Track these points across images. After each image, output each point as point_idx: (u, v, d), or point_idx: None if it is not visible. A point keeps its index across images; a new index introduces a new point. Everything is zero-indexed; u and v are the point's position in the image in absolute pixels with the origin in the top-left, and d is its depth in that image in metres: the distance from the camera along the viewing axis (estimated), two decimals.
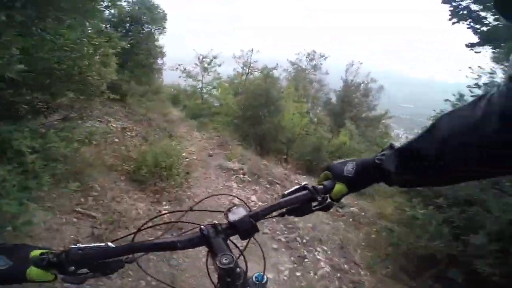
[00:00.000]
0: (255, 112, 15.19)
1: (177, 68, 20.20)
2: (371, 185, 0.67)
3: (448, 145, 0.47)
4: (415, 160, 0.54)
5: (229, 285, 0.57)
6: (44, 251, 0.56)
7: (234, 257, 0.57)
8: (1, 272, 0.50)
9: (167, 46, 17.07)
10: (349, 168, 0.69)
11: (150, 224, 0.79)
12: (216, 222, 0.66)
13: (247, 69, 23.17)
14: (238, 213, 0.65)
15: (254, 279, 0.65)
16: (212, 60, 20.09)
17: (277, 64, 23.88)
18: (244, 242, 0.72)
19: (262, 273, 0.66)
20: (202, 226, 0.65)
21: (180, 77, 20.40)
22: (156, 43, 16.65)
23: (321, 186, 0.71)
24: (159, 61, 19.55)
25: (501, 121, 0.39)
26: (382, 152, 0.65)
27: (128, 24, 14.72)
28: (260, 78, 18.33)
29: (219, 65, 20.74)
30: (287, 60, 22.60)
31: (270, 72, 24.06)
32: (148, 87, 14.75)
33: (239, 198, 0.92)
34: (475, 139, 0.43)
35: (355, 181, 0.68)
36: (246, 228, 0.63)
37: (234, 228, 0.64)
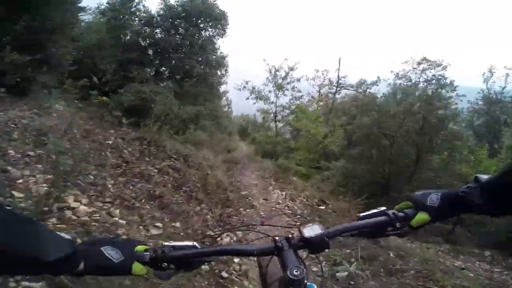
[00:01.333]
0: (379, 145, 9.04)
1: (244, 87, 15.54)
2: (455, 216, 0.77)
3: None
4: (505, 194, 0.55)
5: None
6: (145, 247, 0.64)
7: (304, 270, 0.59)
8: (115, 265, 0.57)
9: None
10: (433, 198, 0.67)
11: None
12: (290, 235, 0.67)
13: (336, 87, 17.30)
14: (313, 230, 0.65)
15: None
16: (288, 73, 14.91)
17: (378, 77, 17.39)
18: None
19: (313, 284, 0.70)
20: (276, 238, 0.67)
21: (248, 98, 15.62)
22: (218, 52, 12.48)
23: (402, 214, 0.69)
24: (220, 76, 15.69)
25: None
26: (468, 185, 0.63)
27: (177, 21, 11.07)
28: (368, 96, 12.34)
29: (299, 80, 15.33)
30: (392, 72, 15.86)
31: (368, 88, 17.67)
32: (203, 110, 10.47)
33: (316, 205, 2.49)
34: None
35: (439, 211, 0.66)
36: (319, 244, 0.64)
37: (306, 242, 0.65)
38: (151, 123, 5.98)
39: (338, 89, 18.02)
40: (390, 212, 0.69)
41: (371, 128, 9.32)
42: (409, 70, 15.42)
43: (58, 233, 0.54)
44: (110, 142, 5.05)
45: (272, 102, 15.46)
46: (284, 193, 6.62)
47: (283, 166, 10.00)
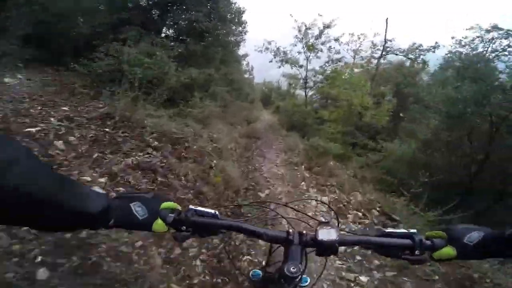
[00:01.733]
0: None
1: (267, 48, 12.76)
2: (489, 258, 0.72)
3: None
4: None
5: (279, 284, 0.63)
6: (170, 204, 0.65)
7: (301, 269, 0.60)
8: (139, 222, 0.60)
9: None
10: (473, 237, 0.62)
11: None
12: (304, 232, 0.67)
13: (382, 51, 13.98)
14: (329, 234, 0.63)
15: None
16: (323, 31, 11.80)
17: (436, 43, 13.85)
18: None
19: (307, 278, 0.80)
20: (290, 230, 0.68)
21: (271, 61, 12.88)
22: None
23: (429, 242, 0.64)
24: (237, 34, 12.95)
25: None
26: None
27: None
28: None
29: (336, 40, 12.20)
30: (453, 38, 12.39)
31: (422, 54, 14.20)
32: (213, 73, 8.20)
33: (331, 209, 0.95)
34: None
35: (471, 251, 0.61)
36: (328, 250, 0.63)
37: (317, 244, 0.64)
38: (121, 92, 3.83)
39: (384, 53, 14.67)
40: (417, 237, 0.64)
41: (468, 103, 6.14)
42: (475, 38, 12.10)
43: (93, 188, 0.56)
44: (42, 126, 3.03)
45: (302, 66, 12.57)
46: (326, 198, 4.42)
47: (319, 148, 7.65)
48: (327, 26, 11.63)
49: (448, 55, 13.29)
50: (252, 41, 12.83)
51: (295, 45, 12.33)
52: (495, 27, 13.21)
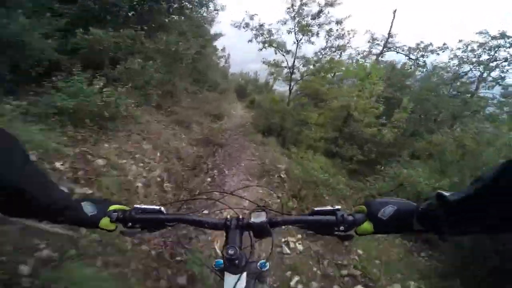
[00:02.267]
0: None
1: (247, 24, 9.58)
2: (403, 233, 0.68)
3: None
4: (474, 213, 0.49)
5: (228, 267, 0.69)
6: (119, 207, 0.72)
7: (237, 250, 0.65)
8: (87, 218, 0.65)
9: None
10: (387, 211, 0.64)
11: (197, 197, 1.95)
12: (241, 217, 0.73)
13: (383, 47, 11.56)
14: (260, 217, 0.70)
15: (258, 264, 0.82)
16: (321, 10, 8.89)
17: (444, 44, 11.92)
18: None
19: (265, 261, 0.83)
20: (228, 216, 0.74)
21: (251, 41, 9.70)
22: None
23: (351, 217, 0.67)
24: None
25: None
26: (428, 202, 0.57)
27: None
28: None
29: (339, 22, 9.32)
30: (460, 41, 11.16)
31: (424, 55, 12.16)
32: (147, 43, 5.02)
33: (278, 197, 1.76)
34: None
35: (385, 225, 0.64)
36: (262, 231, 0.70)
37: (251, 227, 0.70)
38: None
39: (385, 49, 12.28)
40: (340, 213, 0.67)
41: None
42: (483, 44, 11.47)
43: (60, 186, 0.60)
44: None
45: (289, 52, 9.59)
46: None
47: (310, 172, 4.86)
48: (330, 4, 8.73)
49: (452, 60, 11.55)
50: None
51: (284, 23, 9.27)
52: (504, 35, 11.81)
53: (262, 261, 0.83)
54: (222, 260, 0.75)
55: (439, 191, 0.54)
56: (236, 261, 0.66)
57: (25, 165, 0.51)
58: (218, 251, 2.34)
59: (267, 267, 0.82)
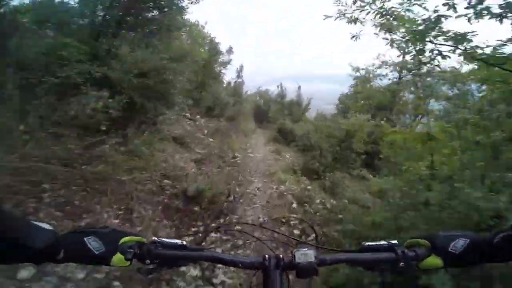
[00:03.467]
0: None
1: None
2: (476, 265, 0.65)
3: None
4: None
5: None
6: (131, 239, 0.61)
7: None
8: (95, 256, 0.56)
9: None
10: (459, 244, 0.59)
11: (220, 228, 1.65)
12: (281, 256, 0.64)
13: None
14: (306, 256, 0.61)
15: None
16: None
17: None
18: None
19: None
20: (266, 255, 0.65)
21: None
22: None
23: (413, 253, 0.61)
24: None
25: None
26: (503, 234, 0.56)
27: None
28: None
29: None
30: None
31: None
32: None
33: (311, 227, 0.90)
34: None
35: (458, 259, 0.60)
36: (308, 272, 0.61)
37: (296, 267, 0.61)
38: None
39: None
40: (399, 250, 0.61)
41: None
42: None
43: (40, 224, 0.54)
44: None
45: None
46: None
47: None
48: None
49: None
50: None
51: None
52: None
53: None
54: None
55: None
56: None
57: None
58: None
59: None
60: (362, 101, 13.61)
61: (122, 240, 0.60)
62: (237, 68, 18.45)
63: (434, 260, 0.61)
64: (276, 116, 15.69)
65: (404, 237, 0.71)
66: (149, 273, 0.62)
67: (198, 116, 8.98)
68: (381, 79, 13.54)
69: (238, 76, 17.27)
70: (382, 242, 0.64)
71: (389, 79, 13.21)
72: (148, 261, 0.60)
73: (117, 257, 0.58)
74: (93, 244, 0.56)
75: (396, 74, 12.77)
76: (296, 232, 3.33)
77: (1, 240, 0.47)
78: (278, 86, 17.80)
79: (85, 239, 0.56)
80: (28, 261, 0.52)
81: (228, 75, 17.68)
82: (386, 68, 12.88)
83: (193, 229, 3.14)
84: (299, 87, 17.06)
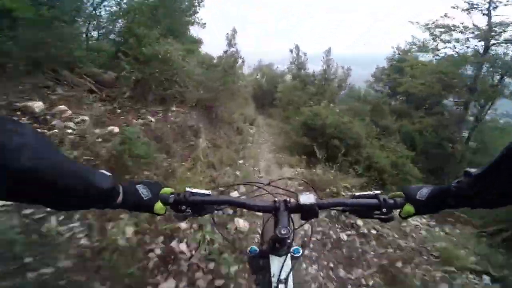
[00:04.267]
0: None
1: None
2: (441, 210, 0.70)
3: None
4: (498, 184, 0.55)
5: (276, 248, 0.73)
6: (171, 190, 0.70)
7: (289, 230, 0.67)
8: (143, 202, 0.63)
9: None
10: (423, 192, 0.68)
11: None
12: (288, 199, 0.73)
13: None
14: (309, 198, 0.69)
15: (291, 250, 0.82)
16: None
17: None
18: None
19: (299, 248, 0.84)
20: (276, 199, 0.74)
21: None
22: None
23: (392, 201, 0.71)
24: None
25: None
26: (458, 180, 0.63)
27: None
28: None
29: None
30: None
31: None
32: None
33: (309, 184, 1.11)
34: None
35: (425, 205, 0.69)
36: (310, 212, 0.69)
37: (300, 208, 0.69)
38: None
39: None
40: (381, 197, 0.71)
41: None
42: None
43: (100, 170, 0.58)
44: None
45: None
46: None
47: None
48: None
49: None
50: None
51: None
52: None
53: (296, 247, 0.83)
54: (256, 247, 0.82)
55: (466, 169, 0.59)
56: (288, 241, 0.70)
57: (55, 157, 0.49)
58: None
59: (300, 253, 0.83)
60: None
61: (162, 190, 0.68)
62: (227, 34, 13.01)
63: (408, 208, 0.68)
64: (289, 98, 10.49)
65: None
66: (184, 218, 0.71)
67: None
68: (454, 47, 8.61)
69: (230, 44, 12.07)
70: (369, 192, 0.73)
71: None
72: (183, 207, 0.68)
73: (158, 205, 0.65)
74: (143, 191, 0.64)
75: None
76: None
77: (69, 186, 0.49)
78: (292, 51, 12.35)
79: (136, 186, 0.64)
80: (95, 204, 0.57)
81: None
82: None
83: None
84: (328, 51, 11.00)
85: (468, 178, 0.59)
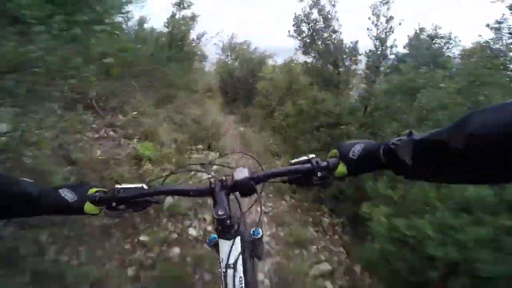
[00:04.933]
0: None
1: None
2: (372, 171, 0.65)
3: (478, 142, 0.44)
4: (437, 153, 0.49)
5: (221, 232, 0.67)
6: (98, 189, 0.66)
7: (227, 210, 0.63)
8: (69, 204, 0.61)
9: None
10: (356, 150, 0.63)
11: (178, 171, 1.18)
12: (224, 178, 0.69)
13: None
14: (242, 173, 0.67)
15: (251, 232, 0.74)
16: None
17: None
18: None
19: (259, 229, 0.75)
20: (211, 180, 0.70)
21: None
22: None
23: (325, 163, 0.66)
24: None
25: None
26: (399, 138, 0.55)
27: None
28: None
29: None
30: None
31: None
32: None
33: (252, 157, 0.99)
34: (505, 140, 0.42)
35: (356, 165, 0.63)
36: (246, 188, 0.67)
37: (236, 186, 0.67)
38: None
39: None
40: (314, 160, 0.67)
41: None
42: None
43: (24, 179, 0.59)
44: None
45: None
46: None
47: None
48: None
49: None
50: None
51: None
52: None
53: (254, 229, 0.76)
54: (215, 235, 0.74)
55: (412, 130, 0.54)
56: (228, 221, 0.65)
57: None
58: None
59: (260, 233, 0.76)
60: None
61: (90, 191, 0.65)
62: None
63: (341, 168, 0.64)
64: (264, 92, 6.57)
65: None
66: (118, 216, 0.67)
67: None
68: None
69: (181, 4, 7.56)
70: (304, 157, 0.68)
71: None
72: (114, 204, 0.64)
73: (88, 205, 0.63)
74: (68, 194, 0.62)
75: None
76: None
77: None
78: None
79: (59, 191, 0.62)
80: (23, 212, 0.58)
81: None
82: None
83: None
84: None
85: (409, 140, 0.53)
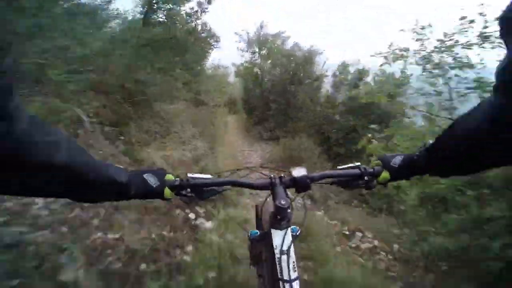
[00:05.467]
0: None
1: None
2: (410, 177, 0.76)
3: (462, 143, 0.58)
4: (442, 155, 0.64)
5: (277, 221, 0.72)
6: (173, 176, 0.72)
7: (289, 201, 0.71)
8: (153, 190, 0.66)
9: None
10: (396, 160, 0.75)
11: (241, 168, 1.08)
12: (283, 175, 0.77)
13: None
14: (300, 172, 0.75)
15: (290, 230, 0.78)
16: None
17: None
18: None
19: (296, 227, 0.81)
20: (271, 175, 0.78)
21: None
22: None
23: (372, 170, 0.77)
24: None
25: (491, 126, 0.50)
26: (421, 149, 0.70)
27: None
28: None
29: None
30: None
31: None
32: None
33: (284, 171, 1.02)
34: (480, 137, 0.53)
35: (397, 172, 0.75)
36: (303, 185, 0.74)
37: (294, 182, 0.75)
38: None
39: None
40: (362, 167, 0.77)
41: None
42: None
43: (114, 165, 0.62)
44: None
45: None
46: None
47: None
48: None
49: None
50: None
51: None
52: None
53: (294, 227, 0.82)
54: (256, 230, 0.84)
55: (426, 141, 0.67)
56: (289, 210, 0.70)
57: (84, 155, 0.53)
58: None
59: (298, 231, 0.82)
60: None
61: (166, 176, 0.70)
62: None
63: (385, 174, 0.75)
64: None
65: None
66: (191, 201, 0.75)
67: None
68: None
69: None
70: (351, 164, 0.79)
71: None
72: (187, 190, 0.71)
73: (167, 191, 0.68)
74: (151, 180, 0.67)
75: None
76: None
77: (97, 180, 0.54)
78: None
79: (144, 176, 0.67)
80: (116, 197, 0.61)
81: None
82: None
83: None
84: None
85: (424, 148, 0.68)
